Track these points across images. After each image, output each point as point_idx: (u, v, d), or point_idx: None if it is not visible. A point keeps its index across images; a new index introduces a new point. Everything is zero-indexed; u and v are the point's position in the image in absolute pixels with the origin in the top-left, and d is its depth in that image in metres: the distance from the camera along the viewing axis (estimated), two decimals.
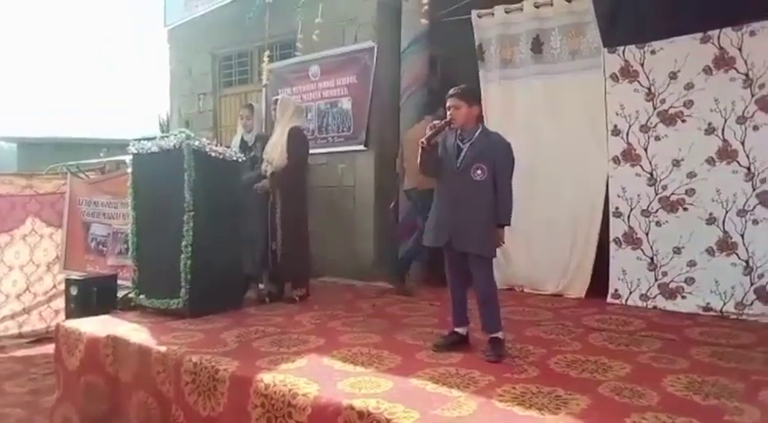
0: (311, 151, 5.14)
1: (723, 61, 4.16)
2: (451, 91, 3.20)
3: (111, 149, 9.68)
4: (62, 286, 6.33)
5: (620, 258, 4.58)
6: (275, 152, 4.57)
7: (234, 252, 4.39)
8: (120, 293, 5.11)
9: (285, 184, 4.62)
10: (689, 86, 4.29)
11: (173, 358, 3.19)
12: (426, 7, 4.95)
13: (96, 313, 4.35)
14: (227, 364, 2.97)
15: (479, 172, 3.07)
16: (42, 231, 6.52)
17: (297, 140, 4.64)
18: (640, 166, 4.51)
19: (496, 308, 3.15)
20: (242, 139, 5.22)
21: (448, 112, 3.15)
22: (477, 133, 3.16)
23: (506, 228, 3.20)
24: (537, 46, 4.97)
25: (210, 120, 7.60)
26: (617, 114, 4.58)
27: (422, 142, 3.09)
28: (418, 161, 3.20)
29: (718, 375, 2.77)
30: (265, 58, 6.23)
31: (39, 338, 6.27)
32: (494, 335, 3.11)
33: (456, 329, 3.28)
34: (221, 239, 4.17)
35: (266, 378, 2.75)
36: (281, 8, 6.04)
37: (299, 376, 2.76)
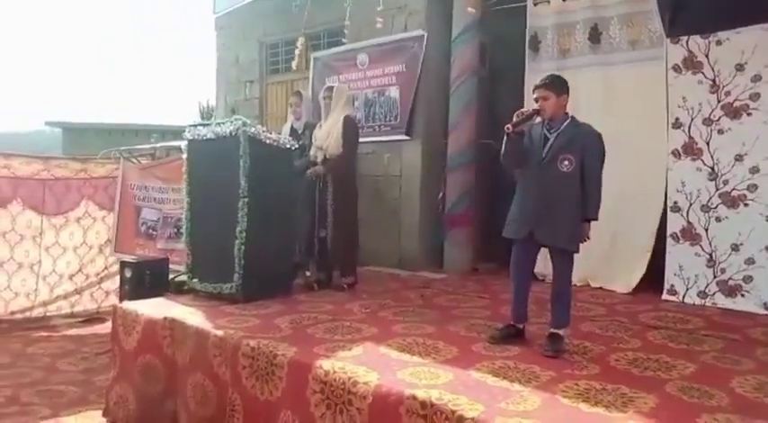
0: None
1: None
2: (540, 81, 3.12)
3: (161, 135, 9.87)
4: (113, 268, 6.53)
5: (676, 254, 4.46)
6: (330, 139, 4.58)
7: (285, 239, 4.42)
8: (171, 276, 5.22)
9: (339, 172, 4.63)
10: (756, 79, 4.14)
11: (230, 342, 3.23)
12: None
13: (148, 295, 4.44)
14: (285, 350, 2.99)
15: (566, 163, 2.99)
16: (95, 214, 6.71)
17: (352, 129, 4.65)
18: (701, 160, 4.38)
19: (569, 304, 3.10)
20: (291, 127, 5.25)
21: (536, 104, 3.07)
22: (565, 123, 3.07)
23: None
24: (595, 35, 4.85)
25: (257, 107, 7.67)
26: (679, 107, 4.44)
27: (507, 128, 3.00)
28: (502, 150, 3.12)
29: None
30: (299, 45, 6.19)
31: (90, 318, 6.48)
32: (555, 330, 3.06)
33: (513, 323, 3.23)
34: (274, 226, 4.21)
35: (325, 365, 2.76)
36: None
37: (357, 364, 2.76)
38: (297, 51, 6.18)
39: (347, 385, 2.60)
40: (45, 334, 5.96)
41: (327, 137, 4.61)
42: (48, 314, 6.44)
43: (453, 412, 2.24)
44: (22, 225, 6.30)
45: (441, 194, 5.74)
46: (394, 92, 6.02)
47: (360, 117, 6.16)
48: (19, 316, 6.30)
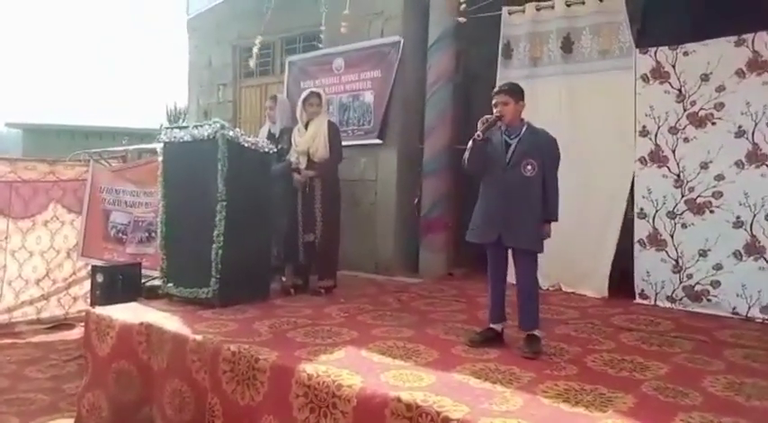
0: None
1: (757, 64, 4.17)
2: (498, 87, 3.23)
3: (129, 138, 9.70)
4: (81, 273, 6.38)
5: (643, 259, 4.59)
6: (317, 144, 4.61)
7: (263, 243, 4.41)
8: (143, 281, 5.14)
9: (328, 176, 4.68)
10: (720, 89, 4.30)
11: (210, 347, 3.20)
12: (464, 5, 4.93)
13: (121, 301, 4.35)
14: (267, 354, 2.98)
15: (530, 167, 3.10)
16: (64, 218, 6.54)
17: (338, 133, 4.76)
18: (668, 167, 4.52)
19: (537, 304, 3.18)
20: (269, 131, 5.23)
21: (495, 109, 3.16)
22: (523, 129, 3.19)
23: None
24: (567, 45, 4.97)
25: (230, 111, 7.59)
26: (646, 115, 4.59)
27: (477, 135, 3.11)
28: (467, 156, 3.21)
29: (756, 377, 2.80)
30: (255, 49, 6.15)
31: (57, 324, 6.31)
32: (531, 332, 3.13)
33: (492, 326, 3.29)
34: (252, 230, 4.19)
35: (308, 369, 2.76)
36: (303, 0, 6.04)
37: (340, 368, 2.77)
38: (255, 49, 6.12)
39: (332, 389, 2.61)
40: (10, 341, 5.78)
41: (313, 141, 4.63)
42: (12, 320, 6.23)
43: (439, 414, 2.28)
44: None
45: (417, 200, 5.79)
46: (368, 97, 6.05)
47: (334, 122, 6.17)
48: None
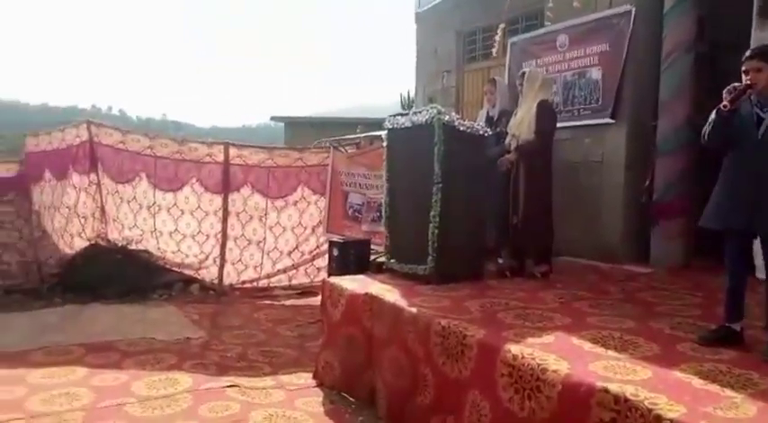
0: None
1: None
2: (750, 51, 2.81)
3: (366, 126, 10.60)
4: (324, 247, 7.22)
5: None
6: (522, 126, 4.53)
7: (477, 224, 4.49)
8: (372, 257, 5.63)
9: (531, 159, 4.56)
10: None
11: (423, 320, 3.40)
12: None
13: (352, 272, 4.86)
14: (474, 331, 3.06)
15: None
16: (309, 198, 7.50)
17: (546, 114, 4.55)
18: None
19: None
20: (487, 114, 5.27)
21: (745, 77, 2.76)
22: None
23: None
24: None
25: (453, 96, 7.82)
26: None
27: (723, 106, 2.77)
28: (707, 130, 2.88)
29: None
30: (498, 31, 6.12)
31: (303, 291, 7.24)
32: None
33: (729, 324, 2.91)
34: (466, 211, 4.30)
35: (514, 349, 2.78)
36: None
37: (547, 352, 2.73)
38: (497, 37, 6.16)
39: (536, 372, 2.59)
40: (268, 302, 6.83)
41: (520, 123, 4.55)
42: (270, 285, 7.36)
43: (650, 411, 2.12)
44: (251, 206, 7.28)
45: (647, 182, 5.31)
46: (595, 73, 5.69)
47: (558, 102, 5.94)
48: (248, 285, 7.30)
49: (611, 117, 5.50)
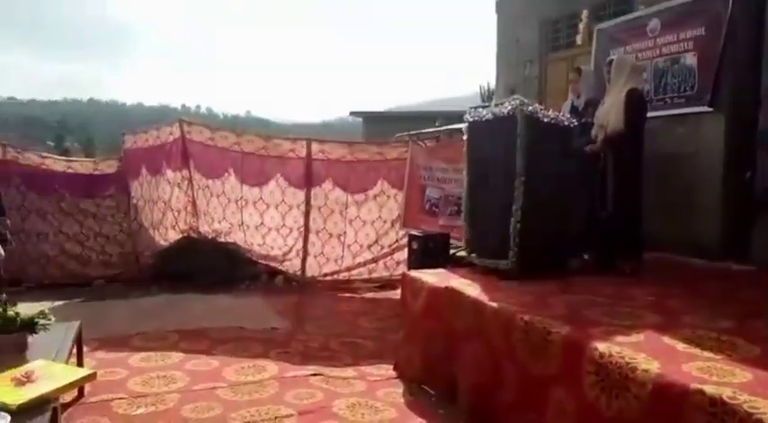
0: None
1: None
2: None
3: (445, 119, 10.55)
4: (403, 241, 7.27)
5: None
6: (610, 116, 4.35)
7: (561, 218, 4.37)
8: (451, 251, 5.61)
9: (619, 150, 4.37)
10: None
11: (505, 315, 3.35)
12: None
13: (432, 266, 4.85)
14: (559, 328, 2.99)
15: None
16: (389, 192, 7.57)
17: (636, 103, 4.34)
18: None
19: None
20: (572, 105, 5.11)
21: None
22: None
23: None
24: None
25: (535, 86, 7.62)
26: None
27: None
28: None
29: None
30: (583, 18, 5.90)
31: (383, 284, 7.33)
32: None
33: None
34: (551, 205, 4.19)
35: (601, 347, 2.68)
36: None
37: (636, 351, 2.62)
38: (581, 24, 5.96)
39: (624, 370, 2.49)
40: (348, 295, 6.97)
41: (608, 113, 4.37)
42: (350, 278, 7.51)
43: (750, 415, 1.99)
44: (332, 200, 7.46)
45: (749, 174, 4.96)
46: (690, 59, 5.37)
47: (648, 89, 5.66)
48: (329, 278, 7.48)
49: (709, 105, 5.18)
